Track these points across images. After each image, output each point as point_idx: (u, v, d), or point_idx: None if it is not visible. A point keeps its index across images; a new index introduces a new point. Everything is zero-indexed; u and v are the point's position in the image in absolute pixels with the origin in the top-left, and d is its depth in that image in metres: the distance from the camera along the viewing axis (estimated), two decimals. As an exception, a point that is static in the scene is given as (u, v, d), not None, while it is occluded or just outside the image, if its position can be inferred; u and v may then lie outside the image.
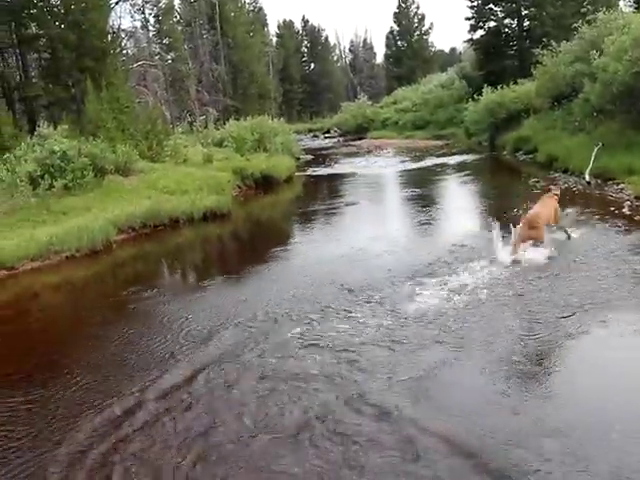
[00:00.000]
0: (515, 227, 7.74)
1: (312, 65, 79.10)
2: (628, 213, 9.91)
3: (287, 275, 8.22)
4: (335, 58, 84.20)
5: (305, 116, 71.46)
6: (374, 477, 3.53)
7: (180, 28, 49.15)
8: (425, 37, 64.38)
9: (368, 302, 6.53)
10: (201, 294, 7.68)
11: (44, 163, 13.25)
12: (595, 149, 14.38)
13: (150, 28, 47.35)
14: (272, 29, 74.05)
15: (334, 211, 13.55)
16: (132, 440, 4.21)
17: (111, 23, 28.61)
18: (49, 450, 4.14)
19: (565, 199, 11.65)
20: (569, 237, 8.36)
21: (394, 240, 9.65)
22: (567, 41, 21.98)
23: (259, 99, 51.90)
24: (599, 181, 13.25)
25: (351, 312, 6.30)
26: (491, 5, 35.66)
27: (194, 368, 5.28)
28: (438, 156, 23.68)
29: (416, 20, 63.97)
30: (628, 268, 6.81)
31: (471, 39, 37.25)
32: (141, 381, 5.09)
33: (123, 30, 35.94)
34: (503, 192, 14.58)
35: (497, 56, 34.42)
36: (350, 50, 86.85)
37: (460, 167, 19.92)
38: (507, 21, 35.66)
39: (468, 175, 17.47)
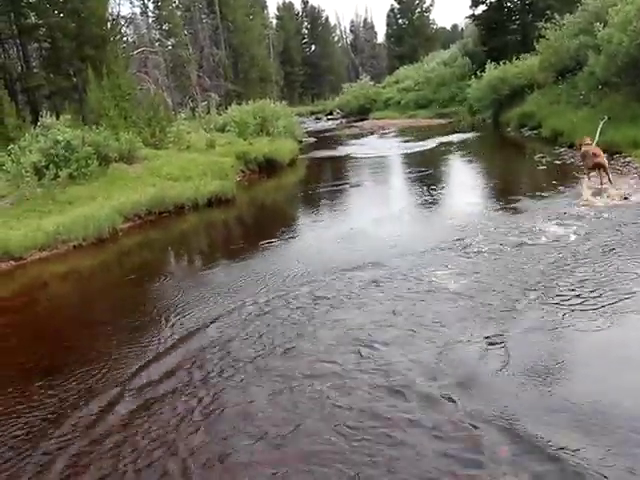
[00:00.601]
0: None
1: (313, 47, 78.51)
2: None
3: (294, 257, 8.21)
4: (336, 39, 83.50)
5: (307, 98, 71.12)
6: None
7: (179, 13, 48.77)
8: (426, 14, 63.70)
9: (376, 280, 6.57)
10: (208, 279, 7.69)
11: (48, 153, 13.26)
12: (601, 123, 14.22)
13: (149, 14, 47.09)
14: (272, 11, 73.51)
15: (339, 193, 13.52)
16: (144, 423, 4.25)
17: (110, 10, 28.44)
18: (62, 436, 4.20)
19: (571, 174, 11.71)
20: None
21: (398, 220, 9.65)
22: (570, 13, 21.74)
23: (260, 83, 51.60)
24: (605, 155, 13.11)
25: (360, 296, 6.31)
26: (493, -21, 35.21)
27: (200, 350, 5.34)
28: (442, 135, 23.52)
29: (417, -3, 63.23)
30: None
31: (473, 15, 36.83)
32: (149, 366, 5.14)
33: (122, 17, 35.82)
34: (509, 169, 14.51)
35: (499, 31, 34.04)
36: (351, 30, 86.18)
37: (464, 145, 19.83)
38: (509, -5, 35.20)
39: (472, 153, 17.42)
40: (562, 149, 15.29)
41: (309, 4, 78.72)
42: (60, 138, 13.41)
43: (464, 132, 24.23)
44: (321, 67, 74.92)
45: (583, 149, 10.75)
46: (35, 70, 24.84)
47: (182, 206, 12.43)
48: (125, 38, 34.35)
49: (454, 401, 4.03)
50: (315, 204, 12.93)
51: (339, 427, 3.89)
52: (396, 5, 63.74)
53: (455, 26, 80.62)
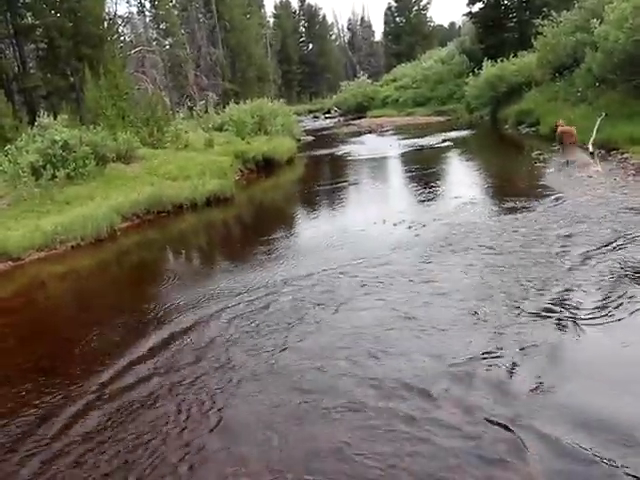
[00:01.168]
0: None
1: (310, 45, 78.42)
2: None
3: (291, 256, 8.20)
4: (333, 37, 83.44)
5: (305, 97, 71.11)
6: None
7: (176, 12, 48.70)
8: (424, 12, 63.77)
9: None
10: (206, 279, 7.69)
11: (46, 153, 13.26)
12: (598, 119, 14.28)
13: (146, 13, 47.01)
14: (269, 10, 73.56)
15: (337, 192, 13.51)
16: (139, 424, 4.27)
17: (107, 9, 28.42)
18: (57, 435, 4.22)
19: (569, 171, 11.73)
20: None
21: (395, 220, 9.66)
22: (567, 10, 21.76)
23: (258, 82, 51.56)
24: (603, 151, 13.16)
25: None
26: (490, -23, 35.22)
27: (198, 348, 5.39)
28: (440, 132, 23.51)
29: (414, -5, 63.22)
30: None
31: (470, 12, 36.87)
32: (146, 366, 5.15)
33: (119, 16, 35.70)
34: (507, 166, 14.51)
35: (497, 29, 34.07)
36: (348, 28, 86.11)
37: (462, 142, 19.84)
38: (506, -8, 35.22)
39: (470, 151, 17.42)
40: (560, 145, 15.29)
41: (306, 2, 78.65)
42: (57, 138, 13.41)
43: (462, 129, 24.24)
44: (319, 65, 74.86)
45: (559, 129, 13.82)
46: (32, 70, 24.80)
47: (180, 205, 12.43)
48: (122, 37, 34.23)
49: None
50: (313, 203, 12.93)
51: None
52: (393, 3, 63.81)
53: (452, 24, 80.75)
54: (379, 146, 21.80)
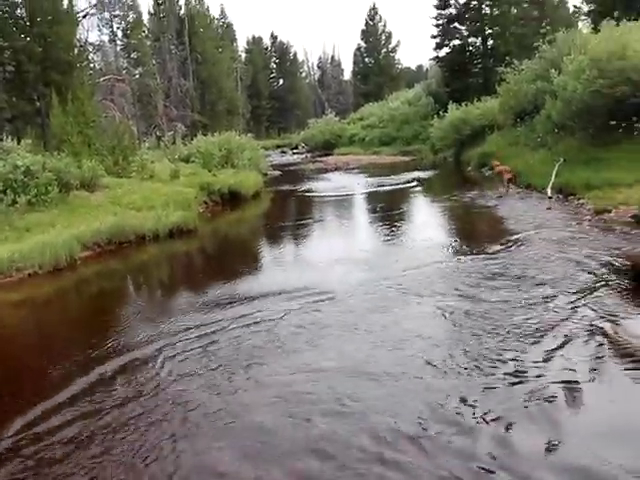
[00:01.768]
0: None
1: (280, 81, 79.51)
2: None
3: (248, 291, 8.08)
4: (303, 74, 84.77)
5: (273, 132, 71.68)
6: None
7: (149, 42, 48.98)
8: (392, 54, 65.31)
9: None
10: (163, 312, 7.59)
11: (7, 178, 13.00)
12: (556, 165, 14.76)
13: (118, 42, 47.13)
14: (241, 45, 74.39)
15: (301, 229, 13.58)
16: (95, 454, 4.16)
17: (78, 36, 28.38)
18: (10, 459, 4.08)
19: (528, 216, 12.03)
20: None
21: (358, 258, 9.73)
22: (529, 60, 22.61)
23: (227, 115, 51.91)
24: (560, 196, 13.58)
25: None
26: (456, 24, 36.57)
27: (143, 384, 5.29)
28: (405, 172, 23.94)
29: (383, 38, 64.88)
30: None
31: (437, 57, 38.03)
32: (101, 398, 5.05)
33: (91, 43, 35.76)
34: (468, 207, 14.80)
35: (462, 73, 35.16)
36: (318, 66, 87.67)
37: (426, 183, 20.20)
38: (472, 40, 36.55)
39: (434, 191, 17.74)
40: (519, 189, 15.73)
41: (278, 39, 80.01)
42: (19, 163, 13.19)
43: (427, 170, 24.72)
44: (288, 101, 75.74)
45: (497, 169, 16.58)
46: (-3, 93, 24.47)
47: (143, 236, 12.29)
48: (92, 65, 34.21)
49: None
50: (276, 239, 12.95)
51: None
52: (363, 44, 65.25)
53: (420, 66, 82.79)
54: (345, 184, 22.08)
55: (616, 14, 18.14)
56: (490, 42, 35.82)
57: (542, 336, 5.55)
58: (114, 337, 6.62)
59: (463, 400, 4.51)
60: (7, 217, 12.06)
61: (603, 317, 5.86)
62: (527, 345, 5.39)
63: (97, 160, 16.56)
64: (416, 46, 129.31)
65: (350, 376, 5.09)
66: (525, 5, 36.00)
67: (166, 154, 23.50)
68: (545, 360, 5.06)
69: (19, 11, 23.21)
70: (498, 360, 5.13)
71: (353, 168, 29.85)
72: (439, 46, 37.16)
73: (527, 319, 6.01)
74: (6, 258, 9.71)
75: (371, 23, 64.73)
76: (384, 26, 65.07)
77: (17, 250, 10.01)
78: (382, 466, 3.77)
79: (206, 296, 8.07)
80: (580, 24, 31.78)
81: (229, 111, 52.98)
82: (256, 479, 3.80)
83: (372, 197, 18.16)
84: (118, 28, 47.13)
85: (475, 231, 11.85)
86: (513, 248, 9.22)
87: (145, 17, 50.58)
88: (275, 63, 79.87)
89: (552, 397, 4.44)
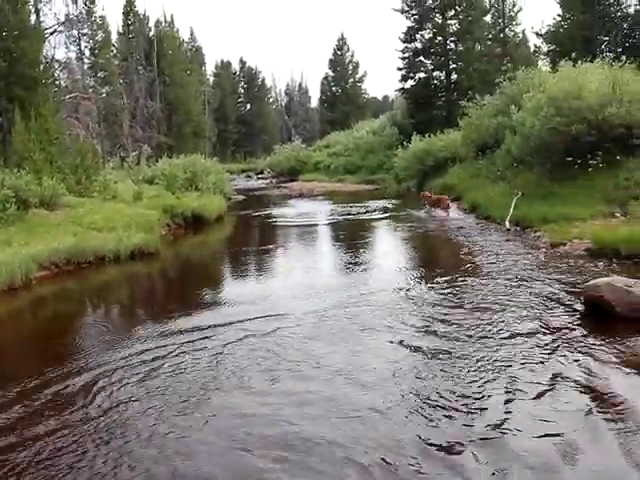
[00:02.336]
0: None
1: (248, 106, 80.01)
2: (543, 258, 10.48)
3: (205, 318, 7.96)
4: (271, 100, 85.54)
5: (239, 156, 71.85)
6: None
7: (116, 62, 48.76)
8: (359, 84, 66.54)
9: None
10: (116, 337, 7.40)
11: (-38, 194, 12.74)
12: (515, 198, 15.16)
13: (85, 60, 46.78)
14: (210, 68, 74.71)
15: (263, 254, 13.55)
16: None
17: (45, 52, 28.05)
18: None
19: (487, 247, 12.28)
20: None
21: (317, 285, 9.77)
22: (491, 95, 23.29)
23: (194, 137, 51.87)
24: (518, 228, 13.92)
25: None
26: (422, 58, 37.55)
27: (85, 414, 5.13)
28: (368, 200, 24.22)
29: (351, 67, 66.09)
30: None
31: (402, 88, 38.85)
32: (27, 427, 4.92)
33: (57, 60, 35.32)
34: (429, 237, 15.04)
35: (426, 106, 35.99)
36: (286, 93, 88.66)
37: (389, 212, 20.41)
38: (436, 73, 37.55)
39: (397, 220, 17.91)
40: (480, 220, 16.07)
41: (247, 64, 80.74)
42: (-23, 179, 12.94)
43: (390, 199, 25.00)
44: (255, 126, 76.13)
45: (433, 197, 19.19)
46: (-43, 108, 23.97)
47: (103, 257, 12.10)
48: (58, 82, 33.82)
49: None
50: (238, 264, 12.89)
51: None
52: (331, 73, 66.30)
53: (386, 97, 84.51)
54: (309, 210, 22.20)
55: (574, 55, 18.86)
56: (454, 76, 36.86)
57: (492, 370, 5.58)
58: (60, 361, 6.43)
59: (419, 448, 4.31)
60: (-39, 234, 11.77)
61: (555, 348, 6.01)
62: (476, 380, 5.42)
63: (59, 178, 16.32)
64: (382, 77, 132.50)
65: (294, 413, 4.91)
66: (488, 42, 37.31)
67: (130, 175, 23.32)
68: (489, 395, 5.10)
69: (-17, 25, 22.90)
70: (448, 393, 5.18)
71: (318, 195, 30.05)
72: (405, 78, 38.02)
73: (477, 351, 6.07)
74: (-41, 276, 9.45)
75: (339, 53, 65.94)
76: (352, 56, 66.41)
77: (-30, 268, 9.75)
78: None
79: (160, 321, 7.89)
80: (540, 63, 33.10)
81: (195, 134, 52.95)
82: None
83: (335, 225, 18.29)
84: (86, 46, 46.79)
85: (435, 261, 12.01)
86: (471, 277, 9.38)
87: (114, 36, 50.49)
88: (243, 88, 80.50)
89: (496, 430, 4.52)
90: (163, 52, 50.02)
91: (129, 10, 50.31)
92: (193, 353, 6.47)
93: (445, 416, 4.71)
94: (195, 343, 6.80)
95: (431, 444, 4.31)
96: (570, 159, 14.67)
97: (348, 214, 20.23)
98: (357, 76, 66.26)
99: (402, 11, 37.45)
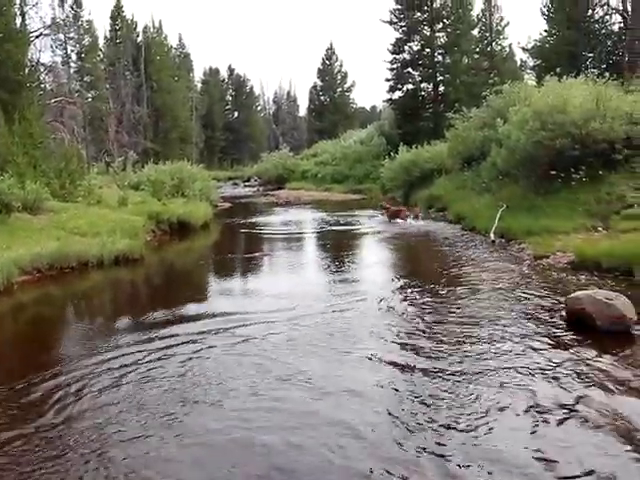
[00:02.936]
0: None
1: (236, 113, 80.00)
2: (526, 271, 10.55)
3: (187, 330, 7.77)
4: (259, 108, 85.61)
5: (226, 163, 71.76)
6: None
7: (103, 67, 48.62)
8: (347, 94, 66.89)
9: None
10: (98, 342, 7.33)
11: (-56, 197, 12.59)
12: (499, 210, 15.26)
13: (71, 64, 46.59)
14: (198, 75, 74.69)
15: (247, 262, 13.54)
16: None
17: (30, 56, 27.89)
18: None
19: (471, 257, 12.34)
20: None
21: (300, 294, 9.75)
22: (477, 108, 23.46)
23: (180, 143, 51.80)
24: (502, 240, 14.01)
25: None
26: (410, 69, 37.84)
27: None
28: (355, 209, 24.28)
29: (339, 77, 66.44)
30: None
31: (390, 99, 39.11)
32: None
33: (42, 64, 35.11)
34: (412, 247, 15.09)
35: (414, 117, 36.25)
36: (274, 101, 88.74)
37: (375, 221, 20.44)
38: (424, 85, 37.86)
39: (381, 229, 17.94)
40: (465, 231, 16.14)
41: (235, 72, 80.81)
42: (-42, 182, 12.80)
43: (375, 208, 25.01)
44: (242, 134, 76.14)
45: (393, 208, 20.06)
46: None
47: (86, 263, 12.00)
48: (43, 85, 33.59)
49: None
50: (221, 272, 12.86)
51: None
52: (319, 82, 66.58)
53: (374, 107, 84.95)
54: (295, 218, 22.22)
55: (559, 70, 19.05)
56: (441, 88, 37.23)
57: (466, 385, 5.52)
58: (35, 368, 6.34)
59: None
60: (-58, 237, 11.62)
61: (534, 361, 6.04)
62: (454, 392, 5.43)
63: (43, 182, 16.19)
64: (371, 87, 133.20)
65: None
66: (476, 56, 37.73)
67: (115, 180, 23.20)
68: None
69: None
70: (425, 407, 5.19)
71: (304, 203, 30.07)
72: (392, 89, 38.32)
73: (453, 364, 6.08)
74: (-62, 280, 9.32)
75: (328, 62, 66.29)
76: (340, 66, 66.83)
77: (-50, 272, 9.63)
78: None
79: (140, 328, 7.84)
80: (526, 77, 33.50)
81: (182, 140, 52.89)
82: None
83: (320, 234, 18.31)
84: (72, 50, 46.74)
85: (418, 271, 11.98)
86: (453, 288, 9.41)
87: (101, 41, 50.38)
88: (231, 95, 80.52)
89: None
90: (151, 58, 50.01)
91: (117, 15, 50.30)
92: (167, 361, 6.44)
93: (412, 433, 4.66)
94: (169, 351, 6.76)
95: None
96: (554, 173, 14.80)
97: (334, 223, 20.26)
98: (345, 86, 66.64)
99: (391, 22, 37.78)
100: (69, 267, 11.73)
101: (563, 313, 7.49)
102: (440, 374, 5.80)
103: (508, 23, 38.15)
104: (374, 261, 13.42)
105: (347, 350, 6.65)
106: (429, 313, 8.06)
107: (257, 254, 14.52)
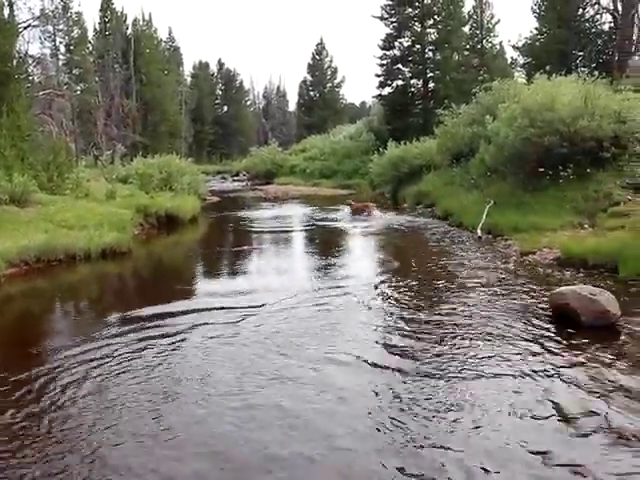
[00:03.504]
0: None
1: (225, 107, 79.79)
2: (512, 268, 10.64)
3: (174, 322, 7.77)
4: (248, 102, 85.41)
5: (215, 157, 71.54)
6: None
7: (92, 59, 48.25)
8: (337, 89, 66.87)
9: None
10: (90, 334, 7.32)
11: None
12: (487, 206, 15.35)
13: (60, 57, 46.17)
14: (187, 69, 74.34)
15: (235, 256, 13.53)
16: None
17: (18, 47, 27.58)
18: None
19: (457, 253, 12.42)
20: None
21: (287, 287, 9.78)
22: (466, 104, 23.53)
23: (169, 137, 51.61)
24: (490, 236, 14.10)
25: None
26: (400, 65, 37.86)
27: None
28: (342, 205, 24.28)
29: (329, 72, 66.36)
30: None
31: (380, 95, 39.15)
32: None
33: (31, 56, 34.79)
34: (400, 244, 15.14)
35: (403, 113, 36.30)
36: (264, 96, 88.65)
37: (361, 216, 20.45)
38: (413, 81, 37.93)
39: (369, 225, 17.98)
40: (452, 227, 16.22)
41: (225, 66, 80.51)
42: (-55, 174, 12.69)
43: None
44: (232, 128, 75.94)
45: (357, 205, 20.90)
46: None
47: (74, 256, 11.96)
48: (31, 77, 33.29)
49: None
50: (210, 265, 12.87)
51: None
52: (309, 77, 66.52)
53: (363, 103, 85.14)
54: (283, 213, 22.22)
55: (549, 68, 19.14)
56: (431, 85, 37.29)
57: (447, 382, 5.54)
58: (20, 360, 6.39)
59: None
60: None
61: (517, 355, 6.10)
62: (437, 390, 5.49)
63: (30, 175, 16.09)
64: (360, 83, 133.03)
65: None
66: (466, 53, 37.84)
67: (103, 173, 23.08)
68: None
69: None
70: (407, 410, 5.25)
71: (292, 198, 30.07)
72: (382, 85, 38.32)
73: (435, 362, 6.13)
74: None
75: (318, 57, 66.20)
76: (330, 61, 66.77)
77: (-63, 264, 9.56)
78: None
79: (127, 322, 7.82)
80: (516, 74, 33.67)
81: (171, 134, 52.69)
82: None
83: (307, 228, 18.32)
84: (61, 42, 46.29)
85: (404, 267, 11.93)
86: (439, 283, 9.48)
87: (90, 34, 49.98)
88: (221, 89, 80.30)
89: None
90: (140, 51, 49.70)
91: (106, 7, 49.96)
92: (144, 352, 6.49)
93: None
94: (146, 343, 6.80)
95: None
96: (542, 170, 14.91)
97: (321, 219, 20.26)
98: (335, 81, 66.60)
99: (381, 18, 37.75)
100: (56, 260, 11.69)
101: (547, 308, 7.57)
102: (418, 372, 5.78)
103: (499, 21, 38.33)
104: (359, 255, 13.50)
105: (328, 345, 6.70)
106: (412, 309, 8.05)
107: (243, 247, 14.52)
